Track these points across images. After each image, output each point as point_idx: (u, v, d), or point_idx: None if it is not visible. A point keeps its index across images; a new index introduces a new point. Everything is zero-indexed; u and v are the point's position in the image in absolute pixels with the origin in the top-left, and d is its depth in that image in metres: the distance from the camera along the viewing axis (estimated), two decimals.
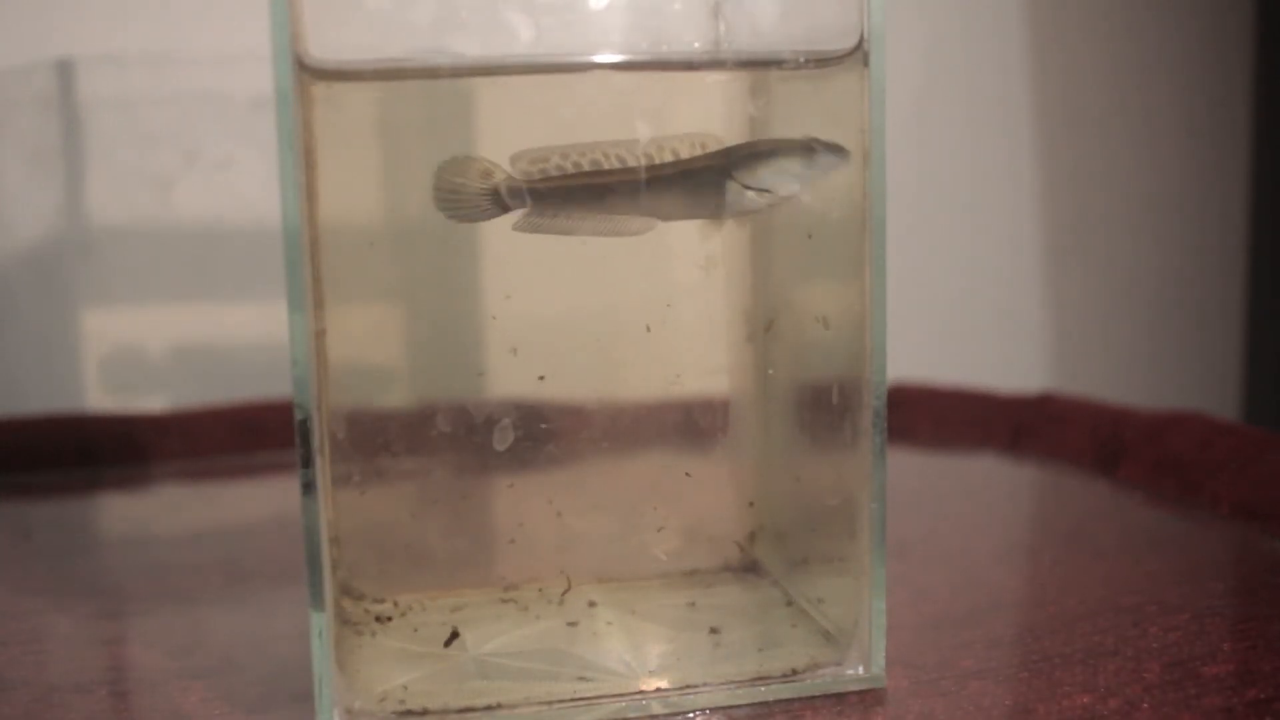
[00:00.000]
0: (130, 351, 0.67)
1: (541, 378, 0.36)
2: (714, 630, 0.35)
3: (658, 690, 0.32)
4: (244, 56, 0.66)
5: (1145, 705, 0.31)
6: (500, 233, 0.36)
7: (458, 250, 0.36)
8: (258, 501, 0.57)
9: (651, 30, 0.35)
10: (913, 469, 0.60)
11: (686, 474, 0.38)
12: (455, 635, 0.31)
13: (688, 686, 0.32)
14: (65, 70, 0.65)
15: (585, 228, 0.33)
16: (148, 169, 0.66)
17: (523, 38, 0.34)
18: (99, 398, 0.67)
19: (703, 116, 0.37)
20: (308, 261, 0.30)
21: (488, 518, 0.37)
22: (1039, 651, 0.35)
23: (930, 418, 0.65)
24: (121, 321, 0.67)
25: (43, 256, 0.66)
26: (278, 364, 0.65)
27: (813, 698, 0.32)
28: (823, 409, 0.35)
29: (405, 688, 0.32)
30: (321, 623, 0.30)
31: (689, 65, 0.36)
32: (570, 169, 0.33)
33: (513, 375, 0.36)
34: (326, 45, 0.32)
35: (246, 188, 0.67)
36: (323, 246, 0.33)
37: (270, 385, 0.65)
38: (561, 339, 0.37)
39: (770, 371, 0.38)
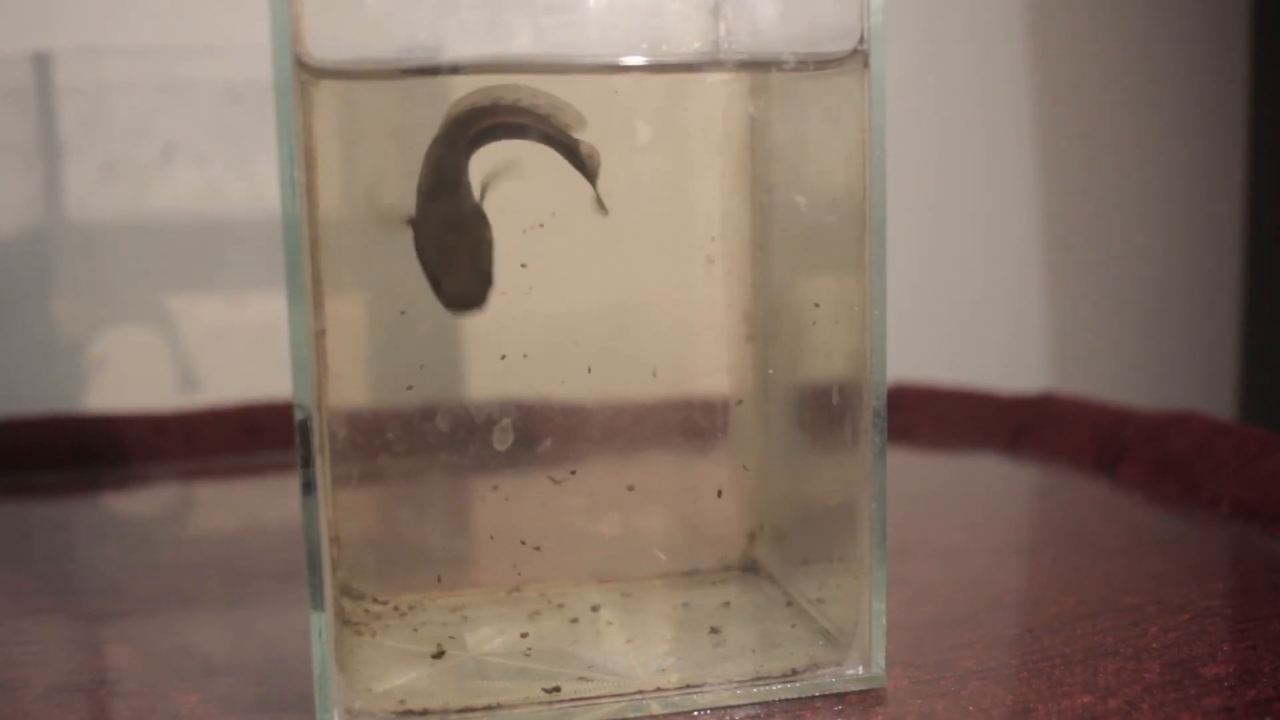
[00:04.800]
0: (112, 347, 0.67)
1: (557, 363, 0.36)
2: (714, 630, 0.35)
3: (658, 690, 0.32)
4: (224, 47, 0.66)
5: (1145, 705, 0.31)
6: (502, 232, 0.36)
7: None
8: (258, 501, 0.57)
9: (651, 30, 0.35)
10: (913, 469, 0.60)
11: (719, 493, 0.38)
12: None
13: (688, 686, 0.32)
14: (41, 63, 0.65)
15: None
16: (125, 162, 0.66)
17: (522, 37, 0.34)
18: (97, 398, 0.67)
19: (703, 116, 0.37)
20: (307, 260, 0.30)
21: (487, 517, 0.37)
22: (1039, 651, 0.35)
23: (930, 418, 0.65)
24: (106, 316, 0.67)
25: (26, 251, 0.66)
26: (273, 363, 0.65)
27: (813, 698, 0.32)
28: (823, 409, 0.35)
29: (405, 688, 0.32)
30: (321, 623, 0.30)
31: (689, 65, 0.36)
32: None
33: (513, 375, 0.36)
34: (325, 43, 0.32)
35: (225, 180, 0.67)
36: (322, 245, 0.33)
37: (267, 384, 0.65)
38: (560, 338, 0.37)
39: (770, 371, 0.38)
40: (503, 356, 0.36)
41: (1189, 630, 0.36)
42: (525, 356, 0.36)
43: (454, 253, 0.35)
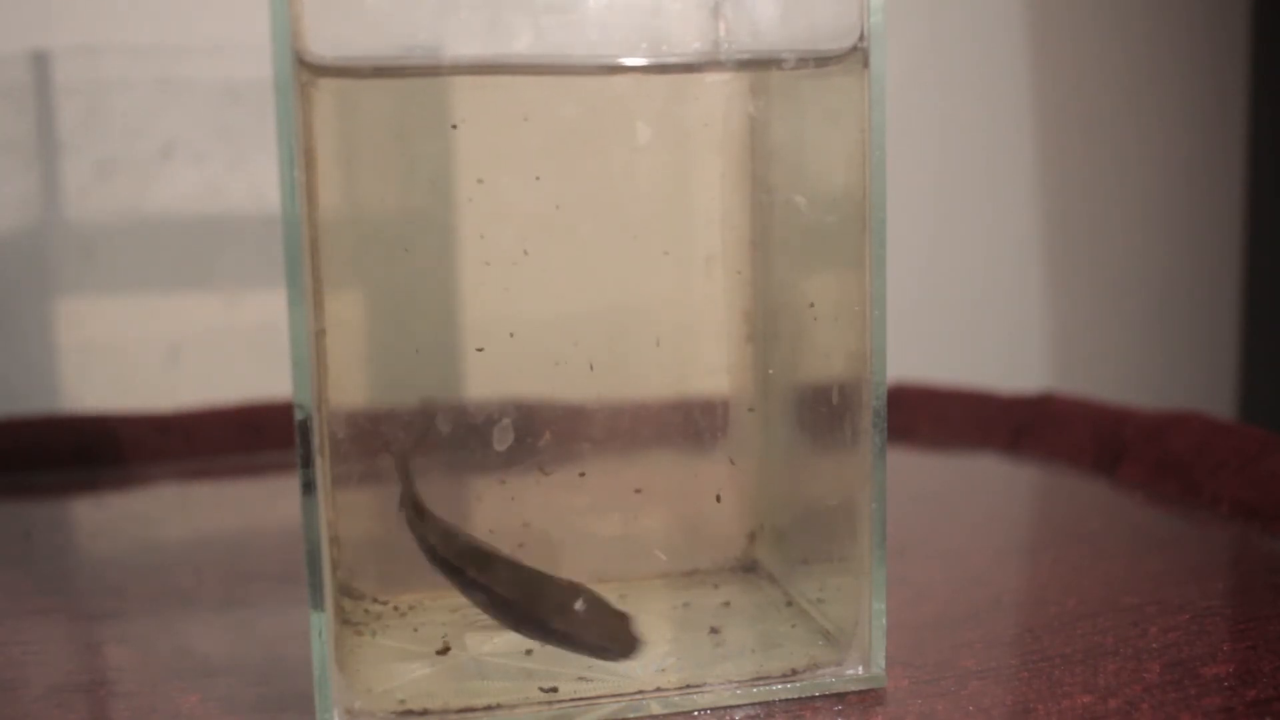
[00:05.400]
0: (110, 348, 0.67)
1: (557, 364, 0.36)
2: (714, 630, 0.35)
3: (658, 690, 0.32)
4: (224, 46, 0.66)
5: (1145, 705, 0.31)
6: (503, 231, 0.36)
7: (457, 248, 0.36)
8: (258, 501, 0.57)
9: (651, 30, 0.35)
10: (913, 469, 0.60)
11: (717, 497, 0.38)
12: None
13: (688, 686, 0.32)
14: (40, 62, 0.65)
15: None
16: (124, 161, 0.66)
17: (523, 37, 0.34)
18: (97, 398, 0.67)
19: (703, 116, 0.37)
20: (307, 260, 0.30)
21: (488, 517, 0.37)
22: (1039, 651, 0.35)
23: (930, 418, 0.65)
24: (106, 316, 0.67)
25: (26, 250, 0.66)
26: (273, 363, 0.65)
27: (813, 698, 0.32)
28: (823, 409, 0.35)
29: (405, 688, 0.32)
30: (321, 623, 0.30)
31: (689, 66, 0.36)
32: None
33: (513, 375, 0.36)
34: (325, 43, 0.32)
35: (225, 180, 0.67)
36: (322, 245, 0.33)
37: (266, 384, 0.65)
38: (561, 338, 0.37)
39: (770, 371, 0.38)
40: (479, 349, 0.35)
41: (1189, 630, 0.36)
42: (511, 335, 0.36)
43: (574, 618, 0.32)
